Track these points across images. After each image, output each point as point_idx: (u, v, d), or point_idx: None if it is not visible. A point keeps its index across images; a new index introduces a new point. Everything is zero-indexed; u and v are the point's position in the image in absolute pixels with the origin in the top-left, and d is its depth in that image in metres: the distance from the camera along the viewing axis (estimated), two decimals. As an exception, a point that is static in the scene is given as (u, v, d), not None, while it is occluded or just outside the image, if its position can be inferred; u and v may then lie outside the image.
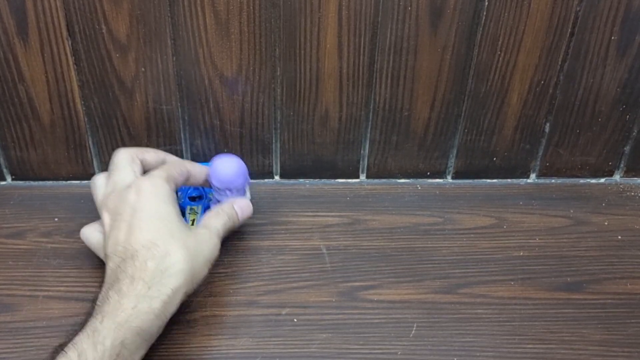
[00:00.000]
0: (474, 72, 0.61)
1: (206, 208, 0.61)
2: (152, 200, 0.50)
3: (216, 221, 0.55)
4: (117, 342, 0.44)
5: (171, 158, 0.59)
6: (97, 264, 0.57)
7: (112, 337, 0.44)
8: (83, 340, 0.43)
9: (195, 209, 0.60)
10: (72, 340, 0.44)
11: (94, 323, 0.45)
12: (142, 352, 0.46)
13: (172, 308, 0.48)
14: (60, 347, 0.44)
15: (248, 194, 0.60)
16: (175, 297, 0.48)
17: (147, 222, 0.49)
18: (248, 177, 0.59)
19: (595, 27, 0.59)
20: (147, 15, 0.57)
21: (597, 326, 0.54)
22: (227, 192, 0.58)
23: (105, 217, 0.52)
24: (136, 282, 0.46)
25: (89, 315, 0.46)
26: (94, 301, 0.48)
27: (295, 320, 0.54)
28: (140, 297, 0.46)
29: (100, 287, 0.48)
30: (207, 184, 0.59)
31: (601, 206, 0.66)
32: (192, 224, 0.59)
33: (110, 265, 0.49)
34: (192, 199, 0.62)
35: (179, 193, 0.62)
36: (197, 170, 0.57)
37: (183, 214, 0.60)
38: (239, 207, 0.57)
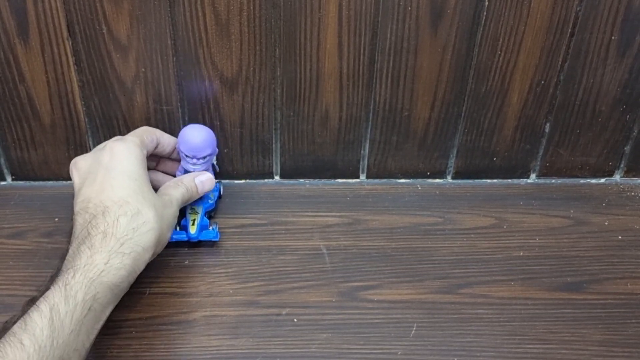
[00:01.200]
0: (474, 72, 0.61)
1: (206, 208, 0.61)
2: (125, 161, 0.52)
3: (175, 191, 0.55)
4: (88, 297, 0.45)
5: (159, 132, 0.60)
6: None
7: (84, 291, 0.45)
8: (55, 294, 0.44)
9: (196, 209, 0.60)
10: (44, 294, 0.44)
11: (66, 277, 0.45)
12: (112, 306, 0.48)
13: (142, 266, 0.49)
14: (32, 301, 0.44)
15: (215, 166, 0.62)
16: (145, 255, 0.49)
17: (119, 181, 0.51)
18: (216, 148, 0.60)
19: (596, 27, 0.59)
20: (147, 16, 0.57)
21: (598, 326, 0.54)
22: (195, 160, 0.59)
23: (75, 176, 0.53)
24: (109, 238, 0.47)
25: (58, 270, 0.47)
26: (62, 257, 0.48)
27: (295, 320, 0.54)
28: (112, 253, 0.47)
29: (69, 242, 0.49)
30: (175, 154, 0.61)
31: (601, 206, 0.66)
32: (193, 224, 0.59)
33: (79, 221, 0.49)
34: None
35: None
36: (165, 140, 0.59)
37: (184, 214, 0.60)
38: (200, 181, 0.58)
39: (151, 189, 0.53)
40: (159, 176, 0.62)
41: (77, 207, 0.50)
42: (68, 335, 0.43)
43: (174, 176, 0.61)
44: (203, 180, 0.58)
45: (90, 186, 0.51)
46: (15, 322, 0.43)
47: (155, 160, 0.62)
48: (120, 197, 0.50)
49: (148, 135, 0.57)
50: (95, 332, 0.46)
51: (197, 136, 0.59)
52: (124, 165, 0.52)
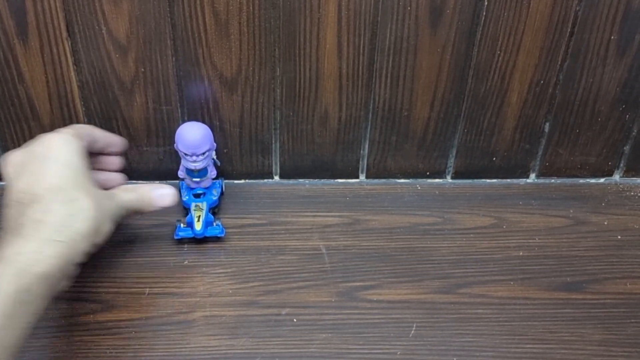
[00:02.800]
0: (473, 72, 0.61)
1: (210, 204, 0.61)
2: (60, 150, 0.49)
3: (123, 193, 0.53)
4: (21, 288, 0.42)
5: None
6: (97, 264, 0.57)
7: (15, 282, 0.42)
8: None
9: (200, 206, 0.61)
10: None
11: None
12: (48, 299, 0.44)
13: (79, 256, 0.46)
14: None
15: (216, 160, 0.62)
16: (82, 243, 0.46)
17: (54, 169, 0.48)
18: (214, 142, 0.60)
19: (595, 27, 0.59)
20: (146, 16, 0.57)
21: (597, 326, 0.54)
22: (195, 157, 0.58)
23: (9, 170, 0.50)
24: (42, 226, 0.44)
25: None
26: None
27: (295, 320, 0.54)
28: (45, 242, 0.44)
29: None
30: (111, 148, 0.58)
31: (601, 206, 0.66)
32: (198, 220, 0.59)
33: (10, 213, 0.46)
34: (197, 196, 0.62)
35: (183, 190, 0.63)
36: (97, 133, 0.56)
37: (188, 211, 0.60)
38: (159, 194, 0.55)
39: (90, 178, 0.50)
40: (101, 175, 0.58)
41: (8, 197, 0.47)
42: None
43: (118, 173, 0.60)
44: (163, 194, 0.55)
45: (23, 177, 0.48)
46: None
47: (93, 158, 0.57)
48: (55, 185, 0.47)
49: (81, 129, 0.54)
50: (29, 327, 0.43)
51: (193, 133, 0.59)
52: (60, 154, 0.49)
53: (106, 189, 0.54)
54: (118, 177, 0.60)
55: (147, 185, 0.56)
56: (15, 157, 0.51)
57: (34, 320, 0.43)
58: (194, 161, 0.59)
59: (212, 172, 0.62)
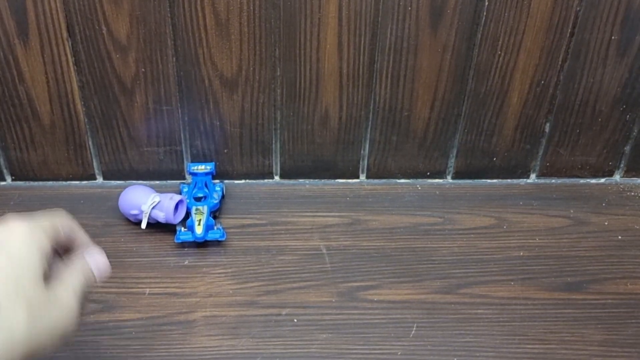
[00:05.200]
0: (474, 72, 0.61)
1: (211, 208, 0.61)
2: (21, 245, 0.41)
3: (74, 279, 0.43)
4: None
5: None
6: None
7: None
8: None
9: (201, 209, 0.60)
10: None
11: None
12: None
13: None
14: None
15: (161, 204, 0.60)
16: (5, 355, 0.37)
17: (1, 263, 0.39)
18: (146, 193, 0.61)
19: (596, 27, 0.59)
20: (147, 16, 0.57)
21: (597, 326, 0.54)
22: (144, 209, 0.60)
23: None
24: None
25: None
26: None
27: (295, 320, 0.54)
28: None
29: None
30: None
31: (601, 206, 0.66)
32: (199, 224, 0.59)
33: None
34: (197, 199, 0.62)
35: (184, 194, 0.63)
36: (79, 239, 0.46)
37: (188, 214, 0.60)
38: (95, 266, 0.45)
39: (39, 283, 0.40)
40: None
41: None
42: None
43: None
44: (98, 263, 0.45)
45: None
46: None
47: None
48: None
49: (64, 227, 0.44)
50: None
51: (121, 202, 0.62)
52: (15, 249, 0.41)
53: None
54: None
55: (82, 261, 0.45)
56: None
57: None
58: (152, 205, 0.60)
59: (173, 215, 0.60)
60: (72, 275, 0.43)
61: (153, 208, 0.60)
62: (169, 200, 0.60)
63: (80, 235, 0.46)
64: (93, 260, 0.45)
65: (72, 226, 0.46)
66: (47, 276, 0.41)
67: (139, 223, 0.61)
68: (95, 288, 0.45)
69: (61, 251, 0.46)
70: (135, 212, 0.61)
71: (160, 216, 0.60)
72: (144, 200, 0.60)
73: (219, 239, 0.60)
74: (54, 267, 0.45)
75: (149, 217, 0.60)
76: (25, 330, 0.38)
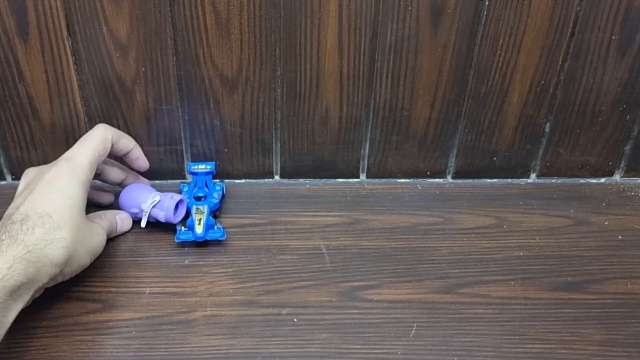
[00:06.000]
0: (474, 72, 0.61)
1: (212, 207, 0.61)
2: (65, 181, 0.53)
3: (103, 222, 0.58)
4: None
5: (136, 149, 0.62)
6: (97, 264, 0.57)
7: None
8: None
9: (202, 209, 0.60)
10: None
11: None
12: (13, 313, 0.47)
13: (45, 279, 0.49)
14: None
15: (162, 202, 0.60)
16: (51, 269, 0.49)
17: (51, 196, 0.51)
18: (147, 192, 0.61)
19: (596, 27, 0.59)
20: (147, 15, 0.57)
21: (597, 326, 0.54)
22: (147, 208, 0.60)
23: (21, 184, 0.55)
24: (17, 244, 0.47)
25: None
26: None
27: (295, 320, 0.54)
28: (17, 259, 0.46)
29: None
30: (130, 155, 0.61)
31: (601, 206, 0.66)
32: (199, 224, 0.59)
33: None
34: (198, 199, 0.62)
35: (184, 194, 0.63)
36: (121, 145, 0.59)
37: (189, 214, 0.60)
38: (120, 218, 0.61)
39: (83, 213, 0.53)
40: (95, 195, 0.63)
41: (6, 212, 0.51)
42: None
43: (119, 185, 0.63)
44: (122, 218, 0.61)
45: (24, 197, 0.51)
46: None
47: (100, 169, 0.61)
48: (45, 211, 0.50)
49: (100, 148, 0.57)
50: None
51: (122, 201, 0.62)
52: (62, 185, 0.52)
53: (100, 206, 0.63)
54: (110, 197, 0.64)
55: (111, 212, 0.60)
56: (30, 174, 0.55)
57: (3, 332, 0.46)
58: (152, 202, 0.60)
59: (174, 214, 0.60)
60: (103, 219, 0.58)
61: (153, 207, 0.60)
62: (170, 199, 0.60)
63: (123, 143, 0.60)
64: (119, 218, 0.60)
65: (111, 143, 0.58)
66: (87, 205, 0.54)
67: (138, 222, 0.61)
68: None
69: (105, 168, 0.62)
70: (135, 210, 0.61)
71: (161, 215, 0.60)
72: (145, 199, 0.60)
73: (219, 239, 0.60)
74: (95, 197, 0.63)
75: (149, 216, 0.60)
76: (70, 245, 0.50)
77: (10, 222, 0.49)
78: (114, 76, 0.60)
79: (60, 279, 0.51)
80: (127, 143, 0.60)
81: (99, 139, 0.57)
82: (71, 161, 0.55)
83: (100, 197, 0.64)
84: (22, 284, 0.46)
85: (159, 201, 0.60)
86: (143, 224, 0.60)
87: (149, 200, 0.60)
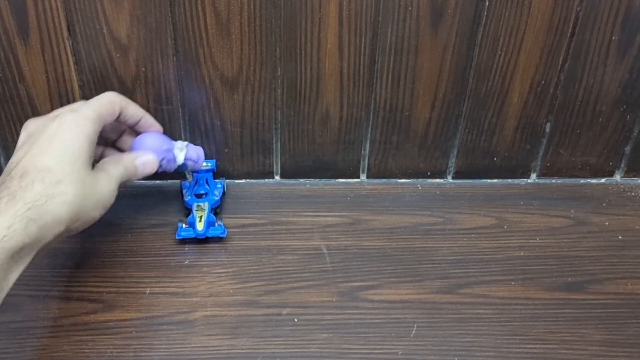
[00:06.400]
0: (474, 72, 0.61)
1: (212, 204, 0.61)
2: (69, 132, 0.50)
3: (114, 169, 0.53)
4: None
5: (146, 116, 0.58)
6: (97, 264, 0.57)
7: None
8: None
9: (202, 206, 0.61)
10: None
11: None
12: (15, 275, 0.44)
13: (49, 237, 0.46)
14: None
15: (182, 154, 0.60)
16: (55, 227, 0.46)
17: (52, 148, 0.48)
18: (168, 143, 0.59)
19: (596, 27, 0.59)
20: (147, 15, 0.57)
21: (598, 326, 0.54)
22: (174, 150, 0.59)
23: (21, 137, 0.52)
24: (16, 201, 0.44)
25: None
26: None
27: (295, 320, 0.54)
28: (17, 217, 0.44)
29: None
30: (140, 126, 0.58)
31: (602, 206, 0.66)
32: (200, 221, 0.59)
33: None
34: (199, 196, 0.62)
35: (185, 190, 0.63)
36: (130, 111, 0.56)
37: (189, 211, 0.60)
38: (141, 162, 0.55)
39: (88, 165, 0.50)
40: (111, 152, 0.59)
41: (6, 167, 0.48)
42: None
43: None
44: (145, 161, 0.56)
45: (25, 150, 0.49)
46: None
47: (118, 133, 0.59)
48: (45, 164, 0.47)
49: (109, 108, 0.54)
50: None
51: (144, 142, 0.58)
52: (66, 137, 0.49)
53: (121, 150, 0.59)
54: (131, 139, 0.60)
55: (129, 155, 0.56)
56: (31, 125, 0.52)
57: (2, 296, 0.43)
58: (180, 148, 0.59)
59: (195, 161, 0.61)
60: (115, 167, 0.53)
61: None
62: (194, 145, 0.60)
63: (133, 110, 0.56)
64: (141, 160, 0.55)
65: (120, 106, 0.55)
66: (97, 158, 0.52)
67: (139, 220, 0.60)
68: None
69: (115, 133, 0.59)
70: (165, 147, 0.58)
71: (194, 156, 0.59)
72: (168, 142, 0.59)
73: (220, 235, 0.60)
74: (107, 152, 0.59)
75: (169, 163, 0.58)
76: (73, 200, 0.47)
77: (10, 178, 0.46)
78: (114, 76, 0.60)
79: (66, 235, 0.48)
80: (136, 110, 0.57)
81: (106, 99, 0.54)
82: (76, 112, 0.51)
83: (124, 144, 0.59)
84: (24, 244, 0.44)
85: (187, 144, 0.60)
86: (180, 160, 0.59)
87: (177, 144, 0.59)
